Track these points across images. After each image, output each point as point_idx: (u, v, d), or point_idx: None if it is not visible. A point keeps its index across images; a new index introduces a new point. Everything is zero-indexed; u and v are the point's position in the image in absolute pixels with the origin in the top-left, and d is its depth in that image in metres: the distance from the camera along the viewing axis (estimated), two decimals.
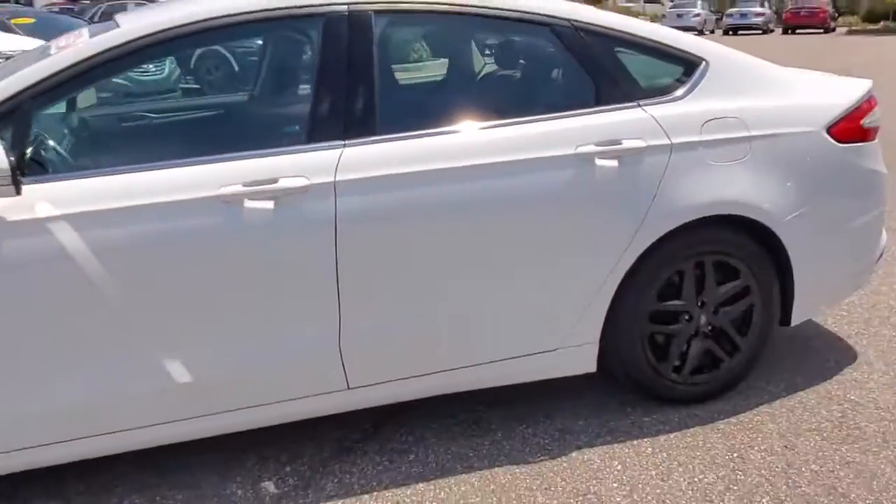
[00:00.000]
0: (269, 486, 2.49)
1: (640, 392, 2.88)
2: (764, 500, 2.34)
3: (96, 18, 13.19)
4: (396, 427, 2.78)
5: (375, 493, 2.43)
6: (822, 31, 31.51)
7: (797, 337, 3.37)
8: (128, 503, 2.41)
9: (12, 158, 1.98)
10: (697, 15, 31.33)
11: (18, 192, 2.02)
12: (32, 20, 11.19)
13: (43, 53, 2.37)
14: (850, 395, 2.93)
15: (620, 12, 3.33)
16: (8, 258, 2.09)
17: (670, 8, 32.39)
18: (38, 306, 2.13)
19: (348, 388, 2.50)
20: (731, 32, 30.98)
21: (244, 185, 2.25)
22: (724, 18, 33.01)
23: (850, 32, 31.08)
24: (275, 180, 2.28)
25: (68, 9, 15.91)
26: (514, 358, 2.66)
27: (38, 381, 2.19)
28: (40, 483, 2.47)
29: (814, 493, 2.37)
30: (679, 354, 2.83)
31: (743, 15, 31.31)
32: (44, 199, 2.11)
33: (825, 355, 3.25)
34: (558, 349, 2.69)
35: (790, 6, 35.83)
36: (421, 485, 2.48)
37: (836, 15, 35.88)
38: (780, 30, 32.19)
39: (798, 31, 31.07)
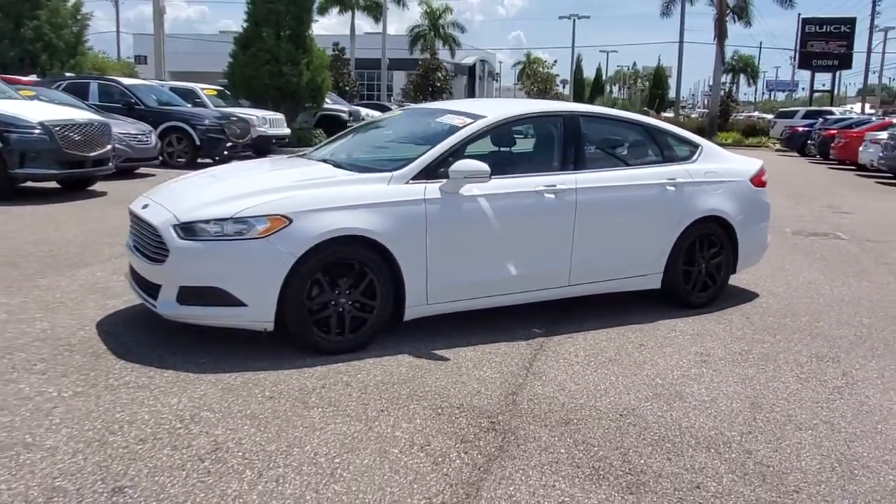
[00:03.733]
0: (535, 330, 5.30)
1: (675, 301, 5.98)
2: (735, 321, 5.51)
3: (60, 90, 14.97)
4: (567, 315, 5.69)
5: (575, 334, 5.30)
6: None
7: (734, 279, 6.69)
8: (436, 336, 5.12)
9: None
10: None
11: (488, 180, 4.83)
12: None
13: (450, 127, 5.17)
14: (754, 303, 6.23)
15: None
16: (483, 206, 4.89)
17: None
18: (482, 230, 4.91)
19: (569, 284, 5.42)
20: None
21: (545, 187, 5.18)
22: None
23: (730, 144, 35.05)
24: (554, 185, 5.23)
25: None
26: (629, 277, 5.71)
27: (478, 267, 4.94)
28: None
29: (765, 326, 5.57)
30: (693, 281, 6.00)
31: None
32: (491, 185, 4.91)
33: (743, 290, 6.58)
34: (648, 274, 5.78)
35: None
36: (580, 334, 5.38)
37: (718, 131, 41.34)
38: None
39: None
